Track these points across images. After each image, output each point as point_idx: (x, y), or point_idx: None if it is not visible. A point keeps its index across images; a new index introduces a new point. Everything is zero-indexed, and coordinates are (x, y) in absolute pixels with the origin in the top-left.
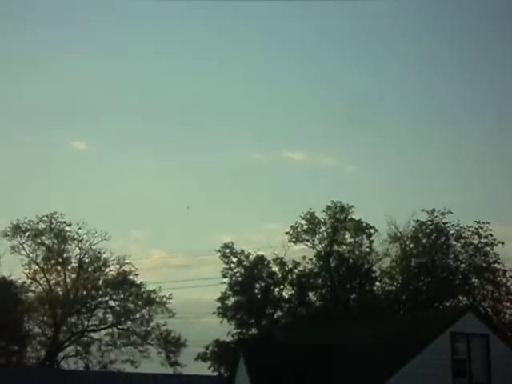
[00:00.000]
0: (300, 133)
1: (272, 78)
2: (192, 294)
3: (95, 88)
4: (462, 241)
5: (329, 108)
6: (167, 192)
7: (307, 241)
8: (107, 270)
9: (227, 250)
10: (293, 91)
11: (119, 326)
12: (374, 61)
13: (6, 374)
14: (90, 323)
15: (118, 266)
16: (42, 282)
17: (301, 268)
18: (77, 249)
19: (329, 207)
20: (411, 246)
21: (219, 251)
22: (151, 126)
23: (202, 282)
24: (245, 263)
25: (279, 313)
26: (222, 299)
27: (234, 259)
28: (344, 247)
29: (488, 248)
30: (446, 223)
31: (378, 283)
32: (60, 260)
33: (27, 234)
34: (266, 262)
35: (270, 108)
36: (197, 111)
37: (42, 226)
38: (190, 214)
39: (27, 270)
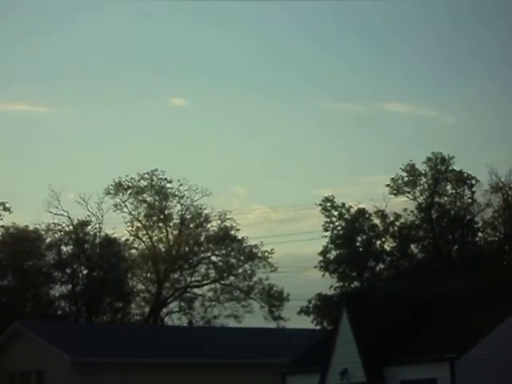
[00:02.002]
0: (400, 84)
1: (370, 28)
2: (293, 248)
3: (197, 44)
4: None
5: (428, 59)
6: (267, 146)
7: (408, 193)
8: (209, 225)
9: (328, 204)
10: (394, 41)
11: (222, 282)
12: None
13: (111, 330)
14: (192, 279)
15: (219, 222)
16: (144, 239)
17: (402, 220)
18: (178, 205)
19: (429, 159)
20: None
21: (320, 205)
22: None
23: (304, 236)
24: (346, 216)
25: (381, 266)
26: (323, 253)
27: (335, 213)
28: (445, 198)
29: None
30: None
31: (480, 234)
32: (162, 217)
33: (129, 192)
34: (367, 215)
35: (369, 59)
36: (288, 65)
37: (143, 183)
38: (291, 169)
39: (130, 228)
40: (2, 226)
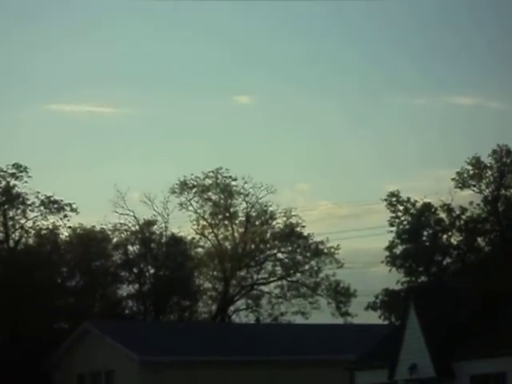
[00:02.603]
0: (466, 76)
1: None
2: (359, 243)
3: (262, 42)
4: None
5: (494, 50)
6: (330, 142)
7: (474, 186)
8: (274, 222)
9: (393, 199)
10: (462, 33)
11: (288, 278)
12: None
13: (178, 329)
14: (259, 276)
15: (284, 219)
16: (210, 237)
17: (468, 214)
18: (243, 203)
19: (495, 151)
20: None
21: (385, 200)
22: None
23: (369, 231)
24: (412, 211)
25: (448, 260)
26: (389, 248)
27: (401, 207)
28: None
29: None
30: None
31: None
32: (227, 215)
33: (194, 191)
34: (432, 209)
35: (434, 51)
36: (352, 61)
37: (208, 181)
38: (355, 164)
39: (195, 226)
40: (70, 227)
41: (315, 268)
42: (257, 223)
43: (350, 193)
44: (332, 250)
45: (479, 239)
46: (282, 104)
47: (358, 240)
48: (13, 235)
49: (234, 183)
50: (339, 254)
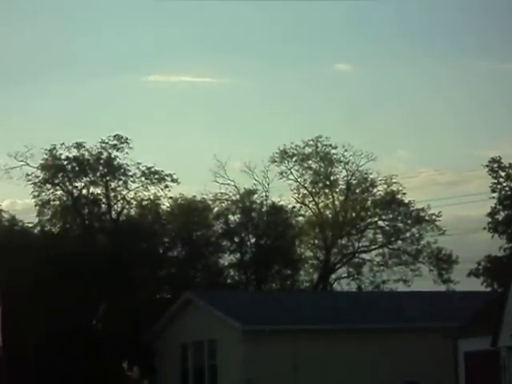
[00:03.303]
0: None
1: None
2: (460, 210)
3: (362, 9)
4: None
5: None
6: (431, 108)
7: None
8: (375, 190)
9: (495, 165)
10: None
11: (390, 246)
12: None
13: (280, 297)
14: (360, 244)
15: (385, 186)
16: (310, 205)
17: None
18: (343, 171)
19: None
20: None
21: (487, 166)
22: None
23: (471, 197)
24: None
25: None
26: (491, 214)
27: (503, 173)
28: None
29: None
30: None
31: None
32: (327, 183)
33: (294, 159)
34: None
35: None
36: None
37: (308, 150)
38: (456, 130)
39: (296, 195)
40: (171, 198)
41: (416, 235)
42: (357, 191)
43: (451, 160)
44: (433, 217)
45: None
46: (382, 71)
47: (459, 207)
48: (115, 206)
49: (333, 151)
50: (440, 221)
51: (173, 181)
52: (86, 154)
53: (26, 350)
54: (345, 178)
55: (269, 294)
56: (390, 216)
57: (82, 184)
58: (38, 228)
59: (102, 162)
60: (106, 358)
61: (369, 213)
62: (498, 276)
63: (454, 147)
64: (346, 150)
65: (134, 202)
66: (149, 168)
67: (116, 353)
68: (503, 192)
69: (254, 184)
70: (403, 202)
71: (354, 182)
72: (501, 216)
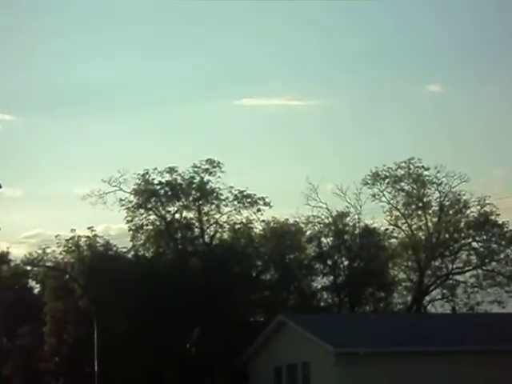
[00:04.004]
0: None
1: None
2: None
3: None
4: None
5: None
6: None
7: None
8: (468, 211)
9: None
10: None
11: (484, 268)
12: None
13: (374, 320)
14: (454, 266)
15: (478, 207)
16: (403, 227)
17: None
18: (436, 192)
19: None
20: None
21: None
22: None
23: None
24: None
25: None
26: None
27: None
28: None
29: None
30: None
31: None
32: (420, 205)
33: (386, 181)
34: None
35: None
36: None
37: (400, 172)
38: None
39: (388, 217)
40: (263, 221)
41: (511, 256)
42: (450, 212)
43: None
44: None
45: None
46: (473, 91)
47: None
48: (208, 230)
49: (426, 173)
50: None
51: (265, 204)
52: (179, 178)
53: (121, 374)
54: (438, 200)
55: (362, 317)
56: (484, 237)
57: (175, 208)
58: (132, 253)
59: (194, 186)
60: (199, 381)
61: (462, 234)
62: None
63: None
64: (438, 172)
65: (227, 226)
66: (241, 192)
67: (210, 376)
68: None
69: (347, 206)
70: (497, 222)
71: (447, 203)
72: None
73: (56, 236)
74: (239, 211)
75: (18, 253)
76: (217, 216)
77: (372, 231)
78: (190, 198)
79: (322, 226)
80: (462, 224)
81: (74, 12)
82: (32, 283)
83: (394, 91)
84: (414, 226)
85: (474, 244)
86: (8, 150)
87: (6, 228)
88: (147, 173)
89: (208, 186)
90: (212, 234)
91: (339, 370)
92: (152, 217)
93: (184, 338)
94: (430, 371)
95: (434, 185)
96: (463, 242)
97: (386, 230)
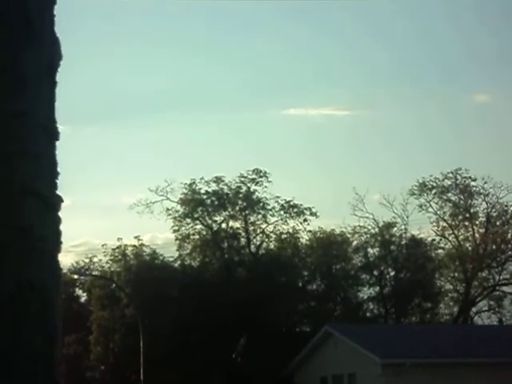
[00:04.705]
0: None
1: None
2: None
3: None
4: None
5: None
6: None
7: None
8: None
9: None
10: None
11: None
12: None
13: (420, 331)
14: (500, 277)
15: None
16: (450, 238)
17: None
18: (483, 203)
19: None
20: None
21: None
22: None
23: None
24: None
25: None
26: None
27: None
28: None
29: None
30: None
31: None
32: (467, 215)
33: (433, 192)
34: None
35: None
36: None
37: (447, 182)
38: None
39: (435, 227)
40: (310, 231)
41: None
42: (497, 223)
43: None
44: None
45: None
46: None
47: None
48: (254, 240)
49: (473, 183)
50: None
51: (311, 214)
52: (225, 188)
53: (167, 383)
54: (485, 211)
55: (408, 328)
56: None
57: (222, 218)
58: (179, 262)
59: (240, 195)
60: None
61: (509, 245)
62: None
63: None
64: (485, 182)
65: (273, 236)
66: (288, 202)
67: None
68: None
69: (393, 217)
70: None
71: (495, 214)
72: None
73: (103, 245)
74: (285, 221)
75: (65, 261)
76: (263, 226)
77: (419, 242)
78: (237, 208)
79: (368, 236)
80: (510, 235)
81: (131, 20)
82: (79, 292)
83: (443, 101)
84: (461, 237)
85: None
86: (57, 160)
87: None
88: (194, 182)
89: (254, 196)
90: (258, 243)
91: (385, 380)
92: (198, 226)
93: (230, 347)
94: (474, 382)
95: (481, 195)
96: (510, 253)
97: (433, 240)
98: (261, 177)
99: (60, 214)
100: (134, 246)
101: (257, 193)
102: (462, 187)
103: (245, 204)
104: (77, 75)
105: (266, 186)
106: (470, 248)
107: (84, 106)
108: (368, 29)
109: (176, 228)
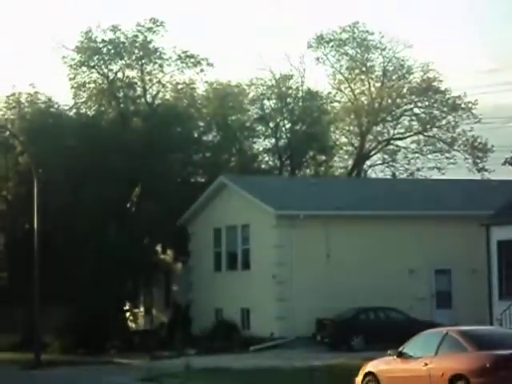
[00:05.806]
0: None
1: None
2: (501, 99)
3: None
4: None
5: None
6: None
7: None
8: (411, 77)
9: None
10: None
11: (425, 133)
12: None
13: (314, 183)
14: (395, 131)
15: (421, 73)
16: (346, 91)
17: None
18: (380, 57)
19: None
20: None
21: None
22: None
23: (509, 86)
24: None
25: None
26: None
27: None
28: None
29: None
30: None
31: None
32: (364, 69)
33: (331, 45)
34: None
35: None
36: None
37: (344, 35)
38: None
39: (332, 81)
40: (206, 82)
41: (452, 123)
42: (393, 78)
43: (489, 47)
44: (469, 105)
45: None
46: None
47: (496, 95)
48: (150, 90)
49: (370, 37)
50: (477, 109)
51: (208, 65)
52: (122, 37)
53: (61, 230)
54: (381, 65)
55: (303, 180)
56: (426, 103)
57: (118, 67)
58: (74, 110)
59: (137, 45)
60: (140, 240)
61: (404, 100)
62: None
63: (493, 34)
64: (382, 37)
65: (170, 86)
66: (184, 51)
67: (149, 235)
68: None
69: (290, 69)
70: (440, 89)
71: (391, 68)
72: None
73: None
74: (182, 71)
75: None
76: (159, 76)
77: (315, 94)
78: (133, 57)
79: (264, 88)
80: (405, 89)
81: None
82: None
83: None
84: (357, 91)
85: (416, 110)
86: None
87: None
88: (90, 30)
89: (151, 46)
90: (154, 93)
91: (279, 231)
92: (94, 75)
93: (124, 196)
94: (369, 235)
95: (378, 50)
96: (405, 107)
97: (329, 93)
98: (157, 26)
99: None
100: (29, 93)
101: (153, 42)
102: (359, 41)
103: (141, 53)
104: None
105: (162, 36)
106: (365, 102)
107: None
108: None
109: (72, 76)
